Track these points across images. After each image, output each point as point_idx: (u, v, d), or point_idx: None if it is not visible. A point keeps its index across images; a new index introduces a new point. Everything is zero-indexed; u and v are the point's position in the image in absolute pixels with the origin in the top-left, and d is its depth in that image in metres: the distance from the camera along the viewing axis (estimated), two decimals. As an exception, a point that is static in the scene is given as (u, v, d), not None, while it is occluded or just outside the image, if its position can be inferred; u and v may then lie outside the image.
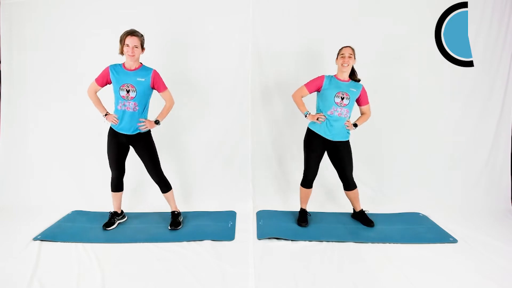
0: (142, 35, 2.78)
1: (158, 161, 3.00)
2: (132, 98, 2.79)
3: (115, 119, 2.82)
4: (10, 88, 3.62)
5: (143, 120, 2.85)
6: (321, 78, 2.98)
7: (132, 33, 2.72)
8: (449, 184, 3.71)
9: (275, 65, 3.59)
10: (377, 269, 2.43)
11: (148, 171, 3.02)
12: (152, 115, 2.94)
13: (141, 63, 2.86)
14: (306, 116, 3.01)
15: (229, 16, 3.52)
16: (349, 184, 3.13)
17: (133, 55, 2.73)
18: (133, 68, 2.81)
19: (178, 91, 3.28)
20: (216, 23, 3.52)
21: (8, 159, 3.67)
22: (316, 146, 3.03)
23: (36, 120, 3.64)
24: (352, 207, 3.30)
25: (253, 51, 3.57)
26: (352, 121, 3.06)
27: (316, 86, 2.98)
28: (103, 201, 3.34)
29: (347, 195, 3.20)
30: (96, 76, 2.86)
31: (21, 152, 3.66)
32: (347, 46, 2.94)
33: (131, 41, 2.71)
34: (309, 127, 3.07)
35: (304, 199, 3.19)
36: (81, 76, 3.47)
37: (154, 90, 2.91)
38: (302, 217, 3.15)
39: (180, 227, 3.04)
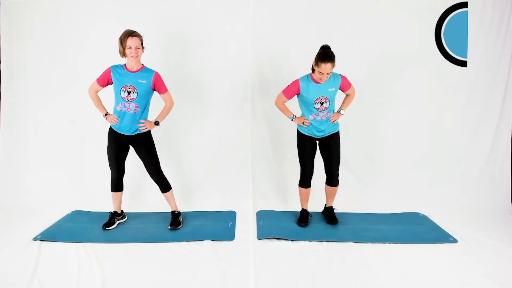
0: (141, 35, 2.79)
1: (158, 161, 3.00)
2: (133, 100, 2.79)
3: (115, 119, 2.82)
4: (10, 87, 3.61)
5: (143, 121, 2.86)
6: (296, 83, 2.90)
7: (132, 33, 2.72)
8: (449, 184, 3.70)
9: (275, 65, 3.59)
10: (377, 269, 2.43)
11: (147, 171, 3.02)
12: (152, 115, 2.94)
13: (142, 64, 2.86)
14: (292, 120, 3.02)
15: (229, 16, 3.52)
16: (332, 179, 3.10)
17: (137, 56, 2.73)
18: (134, 69, 2.81)
19: (178, 91, 3.29)
20: (216, 23, 3.52)
21: (8, 159, 3.66)
22: (307, 145, 3.04)
23: (36, 120, 3.63)
24: (350, 207, 3.30)
25: (253, 51, 3.57)
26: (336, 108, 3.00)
27: (293, 92, 2.94)
28: (103, 201, 3.34)
29: (326, 189, 3.17)
30: (96, 76, 2.87)
31: (21, 152, 3.66)
32: (327, 62, 2.66)
33: (133, 42, 2.70)
34: (298, 129, 3.08)
35: (304, 199, 3.19)
36: (81, 75, 3.47)
37: (154, 91, 2.91)
38: (303, 217, 3.15)
39: (180, 227, 3.04)
